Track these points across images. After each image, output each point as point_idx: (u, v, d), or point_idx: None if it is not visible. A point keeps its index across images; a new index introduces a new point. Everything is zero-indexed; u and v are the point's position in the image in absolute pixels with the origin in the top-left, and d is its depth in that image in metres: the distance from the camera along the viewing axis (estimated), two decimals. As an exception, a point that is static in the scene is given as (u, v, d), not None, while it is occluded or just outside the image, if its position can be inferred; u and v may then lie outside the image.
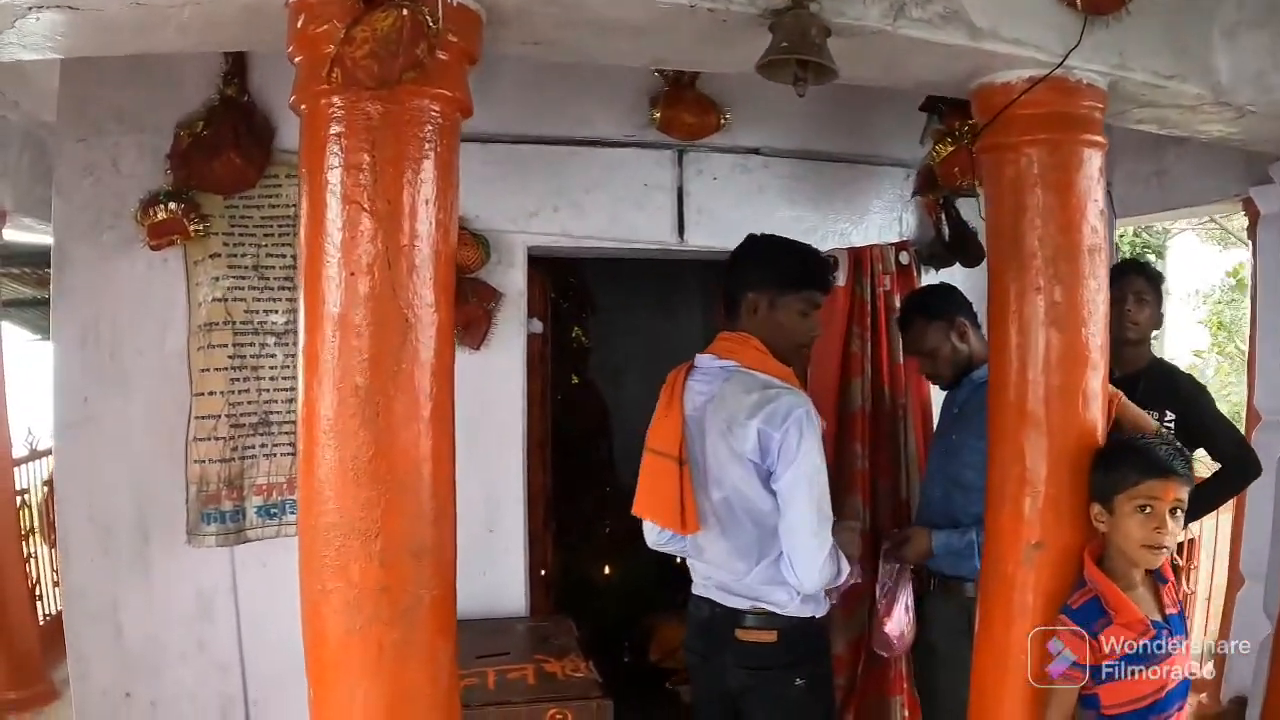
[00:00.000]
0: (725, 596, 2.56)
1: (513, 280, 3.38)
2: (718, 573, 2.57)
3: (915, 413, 3.75)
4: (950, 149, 3.51)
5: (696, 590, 2.66)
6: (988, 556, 2.49)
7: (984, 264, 3.92)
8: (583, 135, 3.47)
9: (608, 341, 5.98)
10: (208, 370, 3.21)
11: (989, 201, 2.53)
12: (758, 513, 2.47)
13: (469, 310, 3.15)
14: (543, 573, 3.96)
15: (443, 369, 1.94)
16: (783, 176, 3.74)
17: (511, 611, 3.38)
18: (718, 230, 3.58)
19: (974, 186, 3.61)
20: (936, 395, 3.48)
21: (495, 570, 3.36)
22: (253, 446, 3.27)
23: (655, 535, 2.69)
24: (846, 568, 2.50)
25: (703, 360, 2.63)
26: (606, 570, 5.37)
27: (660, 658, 4.57)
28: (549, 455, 4.11)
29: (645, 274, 5.83)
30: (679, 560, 2.76)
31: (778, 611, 2.49)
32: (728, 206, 3.62)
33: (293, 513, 3.24)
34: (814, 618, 2.55)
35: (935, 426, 3.44)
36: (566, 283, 5.39)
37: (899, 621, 2.97)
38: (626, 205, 3.50)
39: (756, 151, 3.70)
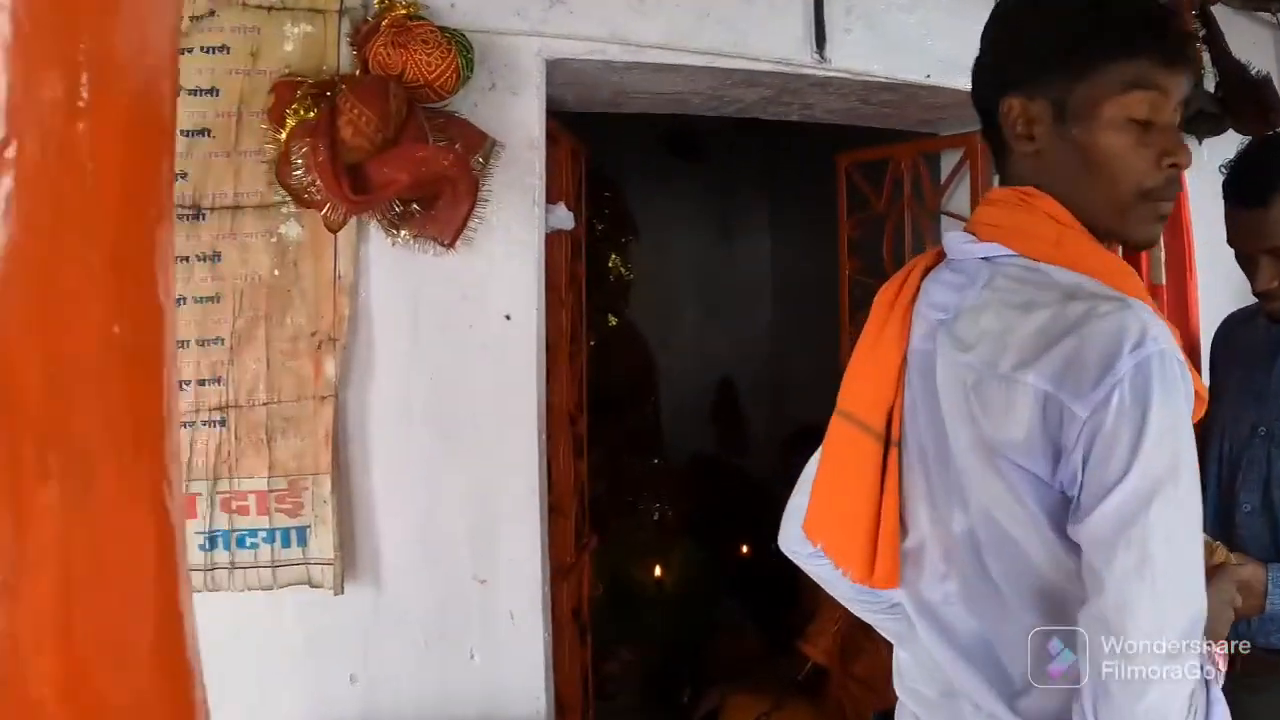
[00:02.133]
0: None
1: (519, 120, 1.72)
2: (948, 687, 1.10)
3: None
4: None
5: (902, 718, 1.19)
6: None
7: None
8: None
9: (654, 273, 4.67)
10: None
11: None
12: (1034, 574, 1.00)
13: (431, 166, 1.48)
14: (577, 620, 2.34)
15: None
16: (979, -35, 2.04)
17: (520, 718, 1.77)
18: (879, 42, 1.93)
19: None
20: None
21: (492, 648, 1.76)
22: None
23: (794, 541, 1.26)
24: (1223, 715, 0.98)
25: (954, 243, 1.11)
26: (657, 571, 3.84)
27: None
28: (585, 430, 2.49)
29: (700, 186, 4.94)
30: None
31: None
32: (893, 5, 1.95)
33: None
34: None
35: (1229, 389, 1.82)
36: (600, 197, 4.17)
37: None
38: (723, -7, 1.83)
39: (938, -82, 2.02)
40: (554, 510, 2.09)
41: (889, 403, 1.09)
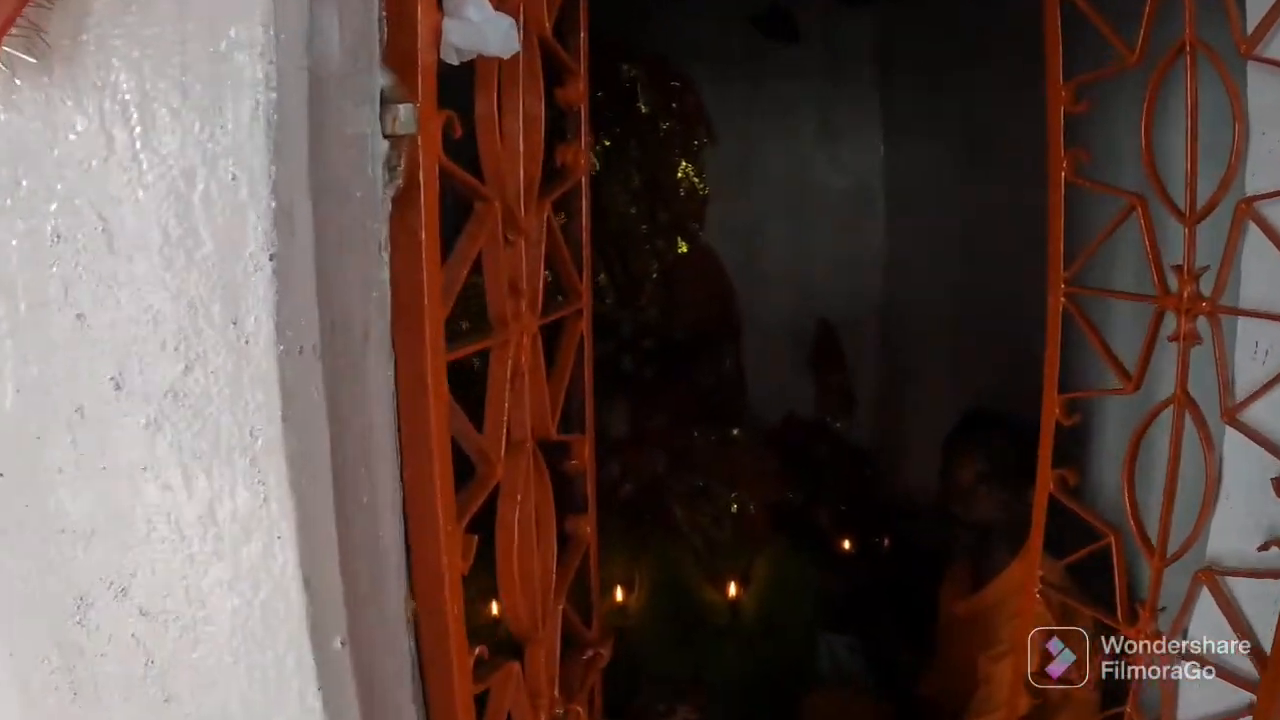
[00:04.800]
0: None
1: None
2: None
3: None
4: None
5: None
6: None
7: None
8: None
9: (734, 186, 3.80)
10: None
11: None
12: None
13: None
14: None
15: None
16: None
17: None
18: None
19: None
20: None
21: None
22: None
23: None
24: None
25: None
26: (732, 590, 2.82)
27: None
28: (591, 458, 1.40)
29: (796, 75, 3.93)
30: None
31: None
32: None
33: None
34: None
35: None
36: (667, 87, 3.52)
37: None
38: None
39: None
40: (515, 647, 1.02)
41: None
